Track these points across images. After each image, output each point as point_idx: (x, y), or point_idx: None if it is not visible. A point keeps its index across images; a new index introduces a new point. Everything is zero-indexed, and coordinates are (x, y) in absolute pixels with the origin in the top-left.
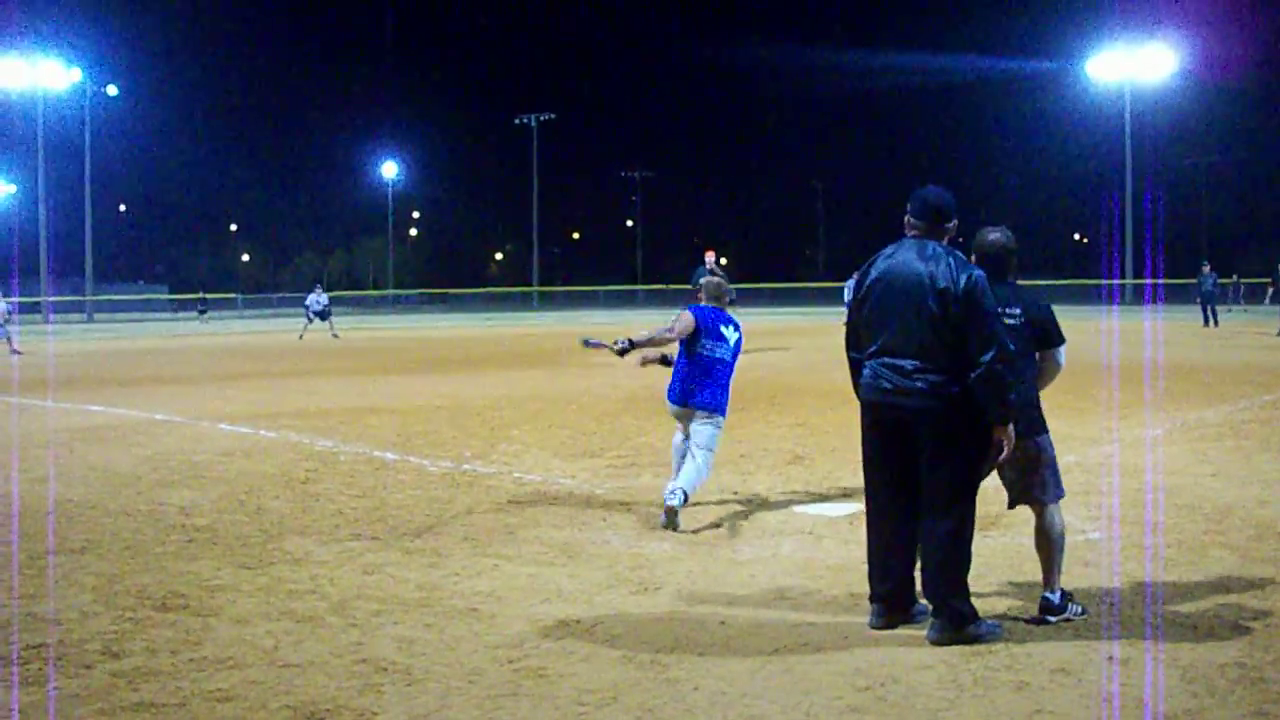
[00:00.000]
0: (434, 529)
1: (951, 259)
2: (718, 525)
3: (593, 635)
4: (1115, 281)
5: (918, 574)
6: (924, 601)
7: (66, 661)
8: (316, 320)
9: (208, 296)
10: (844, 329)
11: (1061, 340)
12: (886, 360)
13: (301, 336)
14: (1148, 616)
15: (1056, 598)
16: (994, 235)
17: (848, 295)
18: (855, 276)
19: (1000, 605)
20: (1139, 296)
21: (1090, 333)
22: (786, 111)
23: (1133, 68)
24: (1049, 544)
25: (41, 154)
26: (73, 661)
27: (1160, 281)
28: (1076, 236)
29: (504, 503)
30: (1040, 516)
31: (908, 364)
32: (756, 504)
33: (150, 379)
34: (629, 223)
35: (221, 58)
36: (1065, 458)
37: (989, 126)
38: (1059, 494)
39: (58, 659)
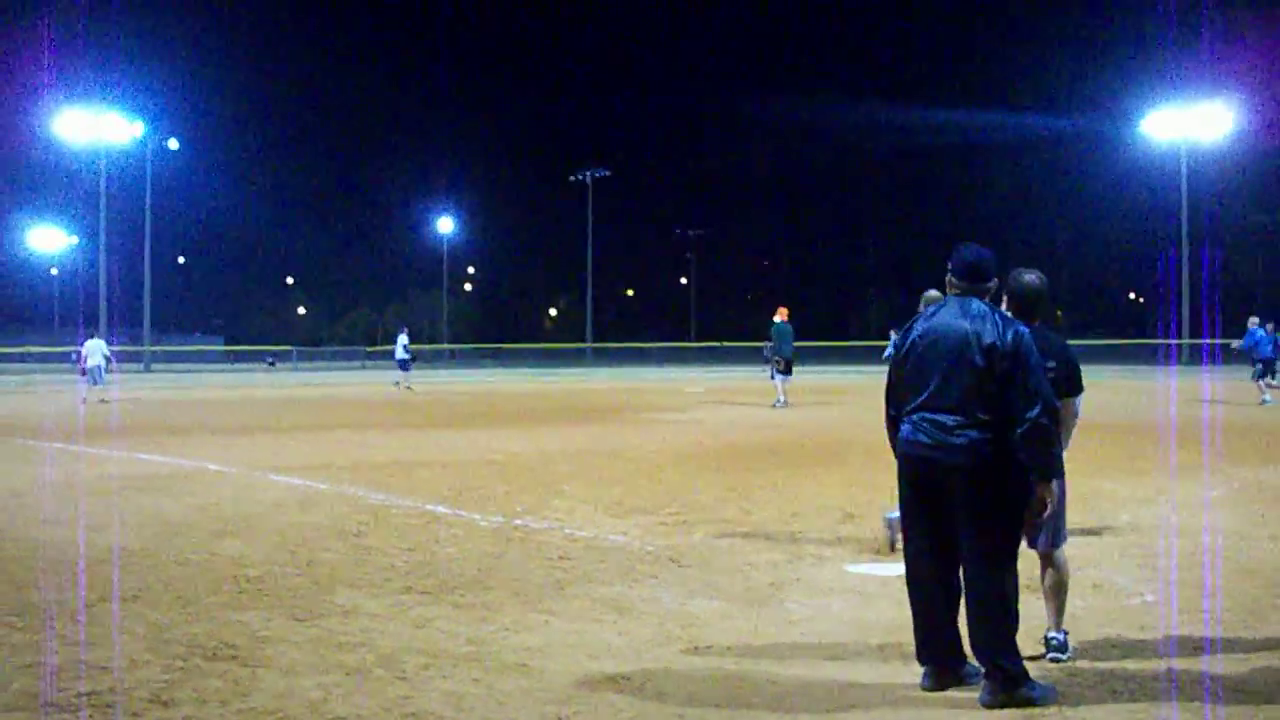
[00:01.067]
0: (484, 583)
1: (996, 315)
2: (769, 584)
3: (642, 692)
4: (1172, 341)
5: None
6: (975, 662)
7: (118, 710)
8: (399, 370)
9: (277, 349)
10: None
11: (1081, 389)
12: (927, 415)
13: (408, 387)
14: (1204, 681)
15: (1063, 637)
16: (1028, 277)
17: (889, 353)
18: (896, 335)
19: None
20: (1195, 356)
21: (1146, 392)
22: (839, 169)
23: (1189, 126)
24: (1058, 586)
25: (104, 206)
26: (123, 709)
27: (1217, 341)
28: (1132, 296)
29: (554, 558)
30: (1048, 560)
31: (949, 419)
32: (808, 562)
33: (205, 429)
34: (683, 280)
35: (281, 113)
36: (1120, 518)
37: (1043, 184)
38: (1062, 539)
39: (108, 706)
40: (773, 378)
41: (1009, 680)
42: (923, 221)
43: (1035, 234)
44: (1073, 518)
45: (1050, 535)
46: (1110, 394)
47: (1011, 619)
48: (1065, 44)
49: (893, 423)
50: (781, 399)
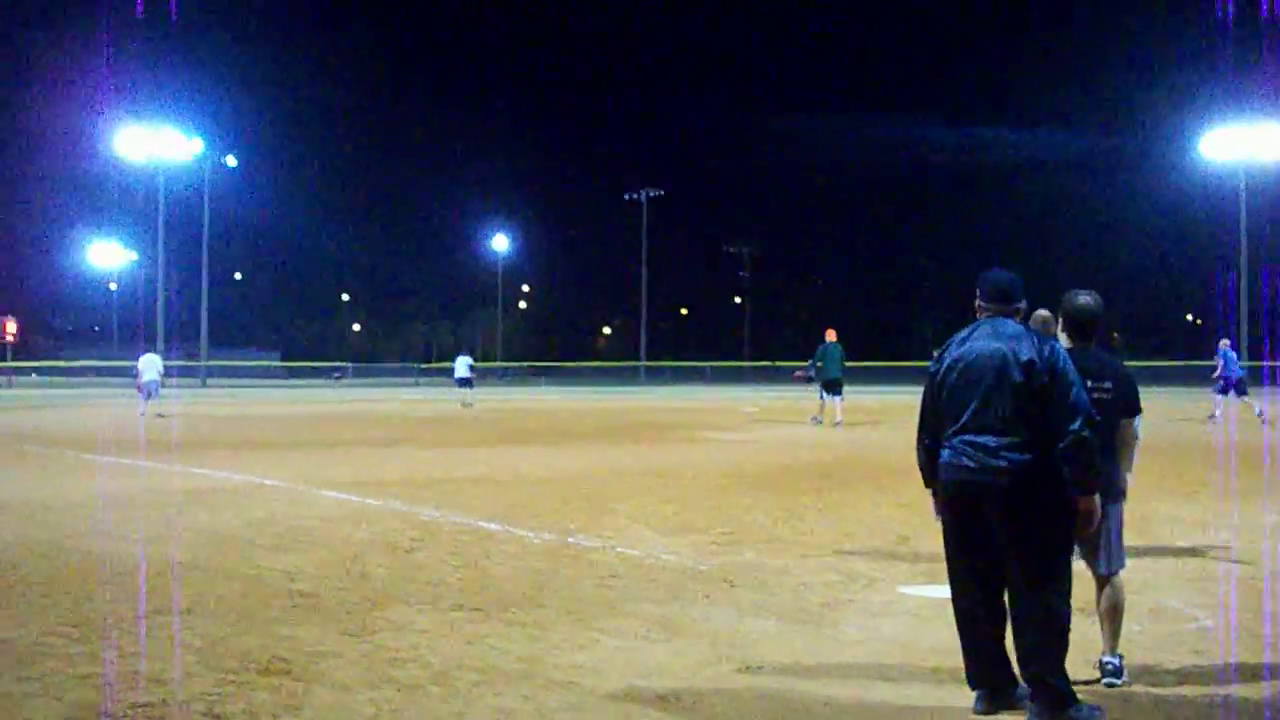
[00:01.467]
0: (536, 601)
1: (1031, 333)
2: (822, 604)
3: (693, 712)
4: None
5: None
6: (1025, 684)
7: None
8: (460, 387)
9: (342, 365)
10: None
11: (1140, 410)
12: (968, 438)
13: (469, 404)
14: (1262, 707)
15: (1118, 661)
16: (1083, 299)
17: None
18: (932, 362)
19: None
20: (1255, 379)
21: (1205, 416)
22: (894, 187)
23: (1248, 146)
24: (1114, 610)
25: (162, 223)
26: None
27: (1277, 364)
28: (1190, 317)
29: (606, 576)
30: (1105, 583)
31: (991, 440)
32: (861, 583)
33: (259, 444)
34: (737, 299)
35: (337, 130)
36: (1177, 541)
37: (1100, 204)
38: (1119, 563)
39: (162, 718)
40: (821, 397)
41: (1056, 700)
42: (978, 240)
43: (1092, 254)
44: (1130, 541)
45: (1108, 558)
46: (1168, 416)
47: (1059, 639)
48: (1124, 64)
49: (928, 450)
50: (819, 417)
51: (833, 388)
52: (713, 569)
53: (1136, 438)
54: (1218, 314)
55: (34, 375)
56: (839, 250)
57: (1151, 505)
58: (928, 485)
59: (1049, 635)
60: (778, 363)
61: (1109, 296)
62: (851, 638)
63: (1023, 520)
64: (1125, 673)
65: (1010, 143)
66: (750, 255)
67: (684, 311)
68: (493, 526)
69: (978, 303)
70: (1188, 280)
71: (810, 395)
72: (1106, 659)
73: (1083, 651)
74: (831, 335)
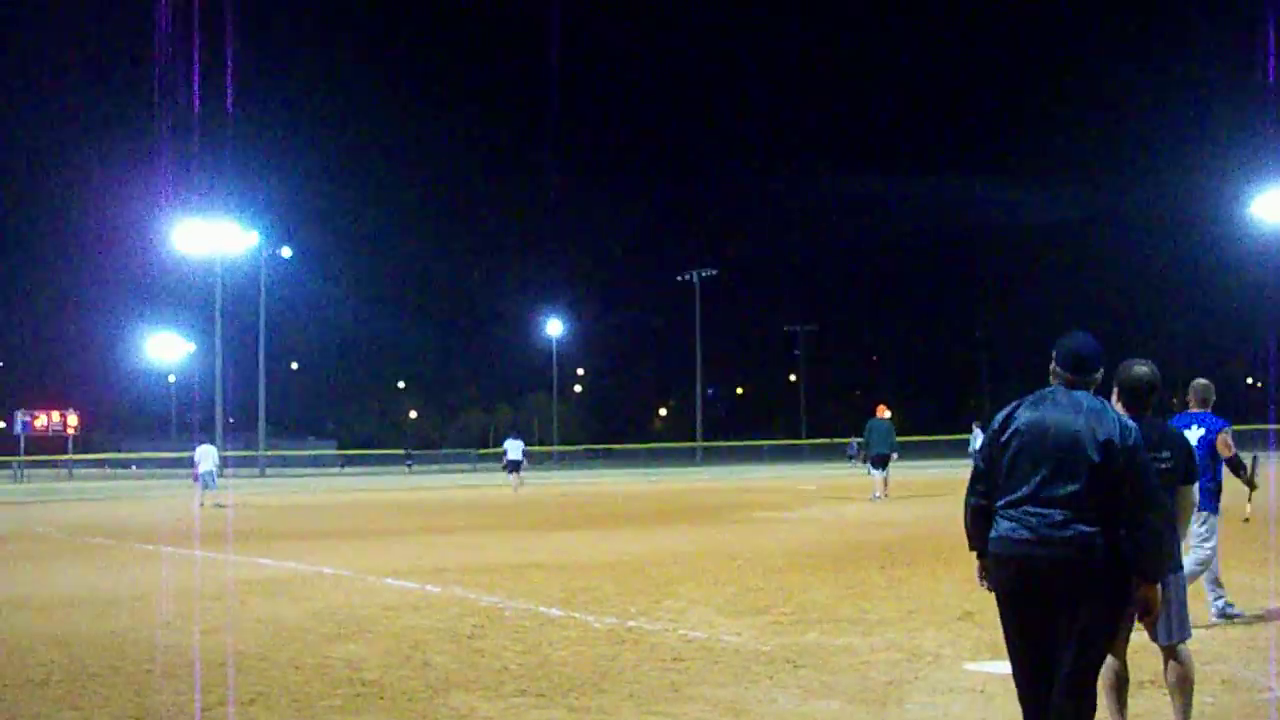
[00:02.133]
0: (599, 686)
1: (1110, 410)
2: (887, 683)
3: None
4: None
5: None
6: None
7: None
8: (510, 472)
9: (413, 452)
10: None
11: (1197, 477)
12: (1031, 509)
13: (519, 487)
14: None
15: None
16: (1140, 369)
17: (974, 444)
18: (980, 425)
19: None
20: None
21: (1268, 481)
22: (947, 259)
23: None
24: (1183, 682)
25: (219, 314)
26: None
27: None
28: (1250, 380)
29: (669, 660)
30: (1172, 654)
31: (1058, 514)
32: (926, 661)
33: (319, 533)
34: (792, 376)
35: (390, 219)
36: (1247, 610)
37: (1154, 267)
38: (1186, 634)
39: None
40: (869, 473)
41: None
42: (1032, 308)
43: (1149, 318)
44: (1201, 611)
45: (1168, 628)
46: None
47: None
48: (1177, 125)
49: (979, 513)
50: (877, 493)
51: (879, 463)
52: (776, 650)
53: (1194, 505)
54: (1272, 376)
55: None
56: (893, 325)
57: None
58: (974, 548)
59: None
60: (836, 440)
61: (1167, 360)
62: (916, 716)
63: (1082, 597)
64: None
65: (1065, 205)
66: (804, 332)
67: (739, 391)
68: (554, 611)
69: (1053, 367)
70: (1244, 343)
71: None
72: None
73: None
74: (881, 411)
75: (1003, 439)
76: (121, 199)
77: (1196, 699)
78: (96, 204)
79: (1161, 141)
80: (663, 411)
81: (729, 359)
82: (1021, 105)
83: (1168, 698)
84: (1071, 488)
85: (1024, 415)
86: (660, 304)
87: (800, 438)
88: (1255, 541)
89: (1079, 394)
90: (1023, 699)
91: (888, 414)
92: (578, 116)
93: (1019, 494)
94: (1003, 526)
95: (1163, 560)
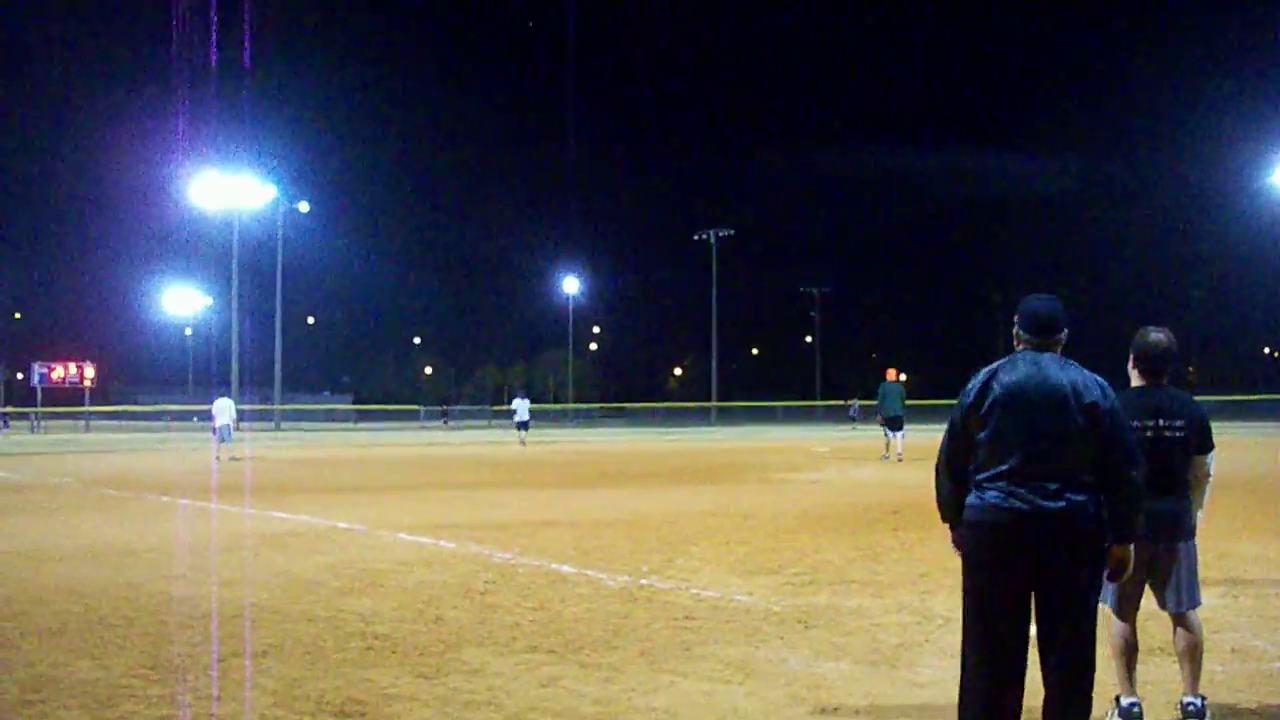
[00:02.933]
0: (610, 643)
1: (1085, 371)
2: (897, 645)
3: None
4: None
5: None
6: None
7: None
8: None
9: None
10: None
11: (1212, 446)
12: (1021, 479)
13: (523, 443)
14: None
15: (1200, 703)
16: (1155, 335)
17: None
18: (964, 395)
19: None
20: None
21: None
22: (964, 223)
23: None
24: (1193, 650)
25: (236, 269)
26: None
27: None
28: (1267, 350)
29: (681, 618)
30: (1181, 622)
31: (1050, 483)
32: (936, 623)
33: (334, 487)
34: (807, 338)
35: (407, 174)
36: (1257, 580)
37: (1172, 236)
38: (1196, 602)
39: None
40: (885, 434)
41: None
42: (1049, 274)
43: (1166, 288)
44: (1209, 579)
45: (1177, 597)
46: (1246, 452)
47: (1090, 689)
48: (1197, 93)
49: (957, 485)
50: (888, 454)
51: (894, 424)
52: (787, 610)
53: (1210, 475)
54: None
55: (121, 419)
56: (909, 287)
57: (1233, 543)
58: (947, 520)
59: (1088, 681)
60: (850, 401)
61: (1185, 331)
62: (927, 679)
63: (1072, 564)
64: (1208, 714)
65: (1081, 174)
66: (820, 294)
67: (755, 351)
68: (566, 569)
69: (1016, 332)
70: (1264, 314)
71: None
72: (1188, 700)
73: (1166, 694)
74: (892, 375)
75: (982, 410)
76: (139, 152)
77: (1206, 667)
78: (114, 157)
79: (1182, 110)
80: (678, 371)
81: (744, 319)
82: (1041, 74)
83: (1176, 665)
84: (1060, 456)
85: (1001, 384)
86: (677, 263)
87: (814, 399)
88: (1267, 510)
89: (1048, 356)
90: (985, 665)
91: (903, 376)
92: (598, 73)
93: (1006, 465)
94: (988, 496)
95: (1139, 519)
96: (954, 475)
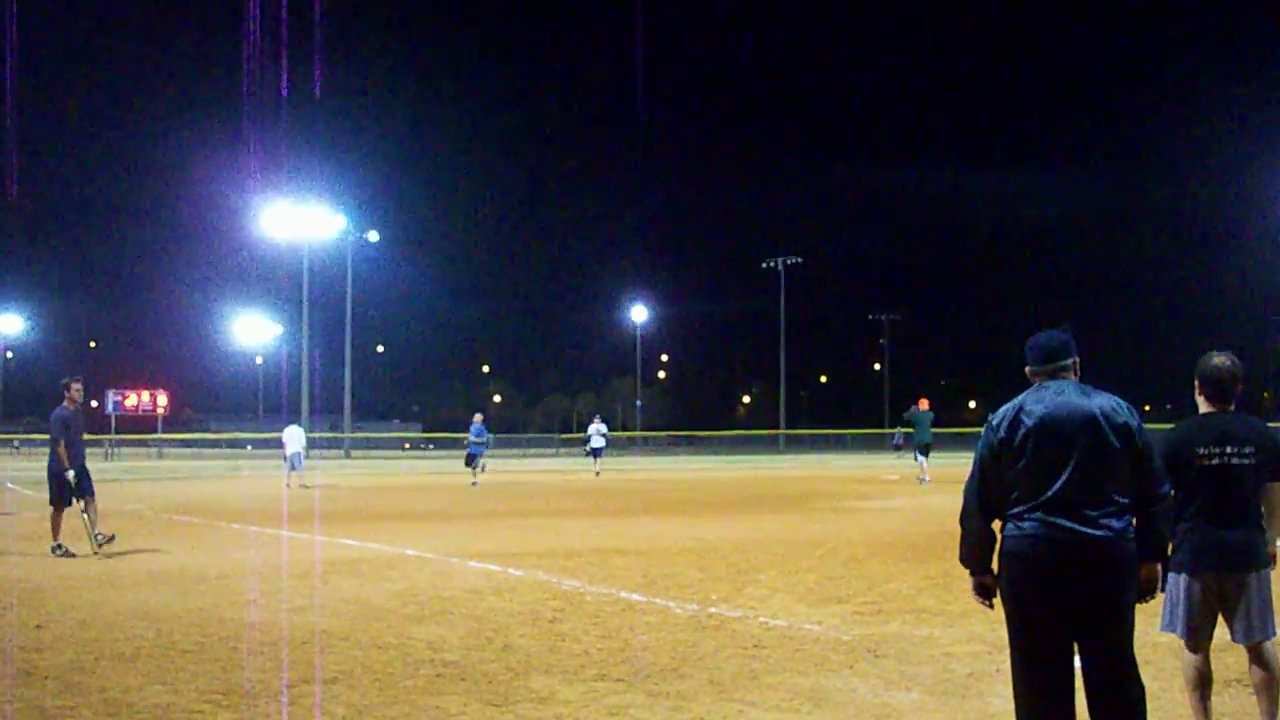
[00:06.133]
0: (679, 672)
1: (1105, 394)
2: (967, 674)
3: None
4: None
5: None
6: None
7: None
8: (593, 457)
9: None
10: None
11: None
12: (1059, 507)
13: (597, 474)
14: None
15: None
16: (1219, 359)
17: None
18: (990, 432)
19: None
20: None
21: None
22: (1034, 248)
23: None
24: (1270, 683)
25: (306, 297)
26: None
27: None
28: None
29: (749, 647)
30: (1258, 654)
31: (1089, 510)
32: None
33: (403, 515)
34: (876, 365)
35: (476, 204)
36: None
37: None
38: (1269, 634)
39: None
40: (915, 460)
41: None
42: (1121, 300)
43: (1241, 311)
44: None
45: (1247, 627)
46: None
47: (1145, 714)
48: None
49: (988, 526)
50: (925, 477)
51: (925, 450)
52: (857, 639)
53: None
54: None
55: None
56: (979, 314)
57: None
58: (972, 563)
59: (1142, 709)
60: (892, 429)
61: (1264, 356)
62: (997, 709)
63: (1115, 591)
64: None
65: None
66: (890, 321)
67: (824, 379)
68: (635, 597)
69: (1030, 370)
70: None
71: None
72: None
73: None
74: (924, 404)
75: (1015, 443)
76: (211, 184)
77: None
78: (187, 189)
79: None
80: (746, 399)
81: (813, 347)
82: (1114, 94)
83: (1253, 697)
84: (1098, 481)
85: (1031, 415)
86: (745, 291)
87: (884, 427)
88: None
89: (1069, 384)
90: (1037, 704)
91: (927, 406)
92: (666, 105)
93: (1045, 496)
94: (1026, 527)
95: (1168, 539)
96: (986, 512)
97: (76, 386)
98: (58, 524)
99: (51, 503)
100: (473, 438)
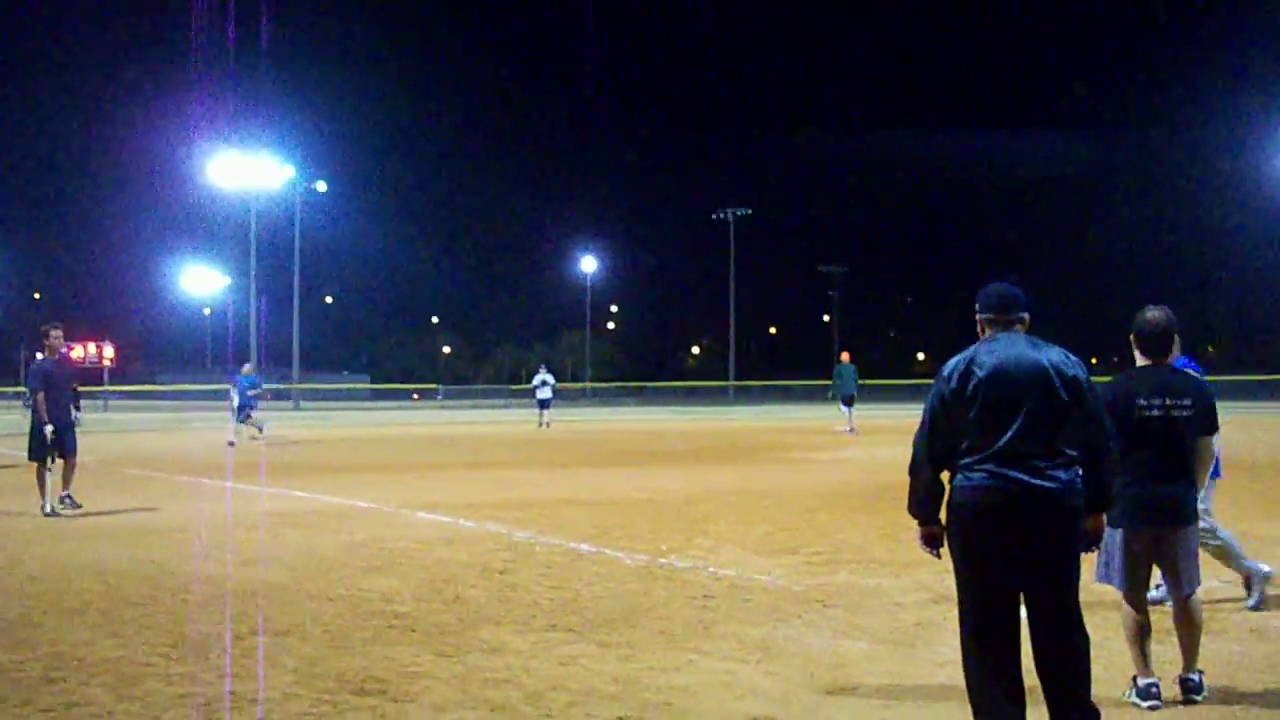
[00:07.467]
0: (629, 622)
1: (1055, 348)
2: (916, 624)
3: None
4: None
5: None
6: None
7: None
8: (541, 409)
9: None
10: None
11: (1217, 428)
12: (1009, 459)
13: (544, 425)
14: None
15: (1198, 677)
16: (1154, 313)
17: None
18: (941, 382)
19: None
20: None
21: None
22: (982, 203)
23: None
24: (1193, 627)
25: (254, 248)
26: None
27: None
28: None
29: (699, 598)
30: (1184, 603)
31: (1038, 461)
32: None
33: (352, 466)
34: (825, 317)
35: (425, 154)
36: (1275, 560)
37: (1193, 214)
38: (1197, 582)
39: None
40: (841, 410)
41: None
42: (1066, 255)
43: (1184, 266)
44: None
45: (1185, 579)
46: (1264, 432)
47: (1089, 661)
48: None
49: (936, 477)
50: (849, 426)
51: (849, 401)
52: (806, 590)
53: (1213, 456)
54: None
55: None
56: (928, 267)
57: (1255, 524)
58: (920, 513)
59: (1087, 657)
60: (869, 381)
61: (1207, 309)
62: (946, 658)
63: (1064, 540)
64: (1205, 688)
65: (1100, 153)
66: (839, 273)
67: (773, 330)
68: (585, 548)
69: (981, 319)
70: None
71: (904, 414)
72: (1188, 675)
73: (1169, 672)
74: (845, 357)
75: (966, 394)
76: (157, 132)
77: (1225, 647)
78: (133, 137)
79: (1205, 88)
80: (695, 350)
81: (762, 298)
82: (1059, 53)
83: (1175, 645)
84: (1048, 433)
85: (982, 366)
86: (695, 243)
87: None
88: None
89: (1020, 336)
90: (988, 652)
91: (849, 359)
92: (616, 55)
93: (994, 447)
94: (975, 478)
95: (1114, 491)
96: (935, 463)
97: (55, 334)
98: (42, 481)
99: (30, 459)
100: (243, 389)
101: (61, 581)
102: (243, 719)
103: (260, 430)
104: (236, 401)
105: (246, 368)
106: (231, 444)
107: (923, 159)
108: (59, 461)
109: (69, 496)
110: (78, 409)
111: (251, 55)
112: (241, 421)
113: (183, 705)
